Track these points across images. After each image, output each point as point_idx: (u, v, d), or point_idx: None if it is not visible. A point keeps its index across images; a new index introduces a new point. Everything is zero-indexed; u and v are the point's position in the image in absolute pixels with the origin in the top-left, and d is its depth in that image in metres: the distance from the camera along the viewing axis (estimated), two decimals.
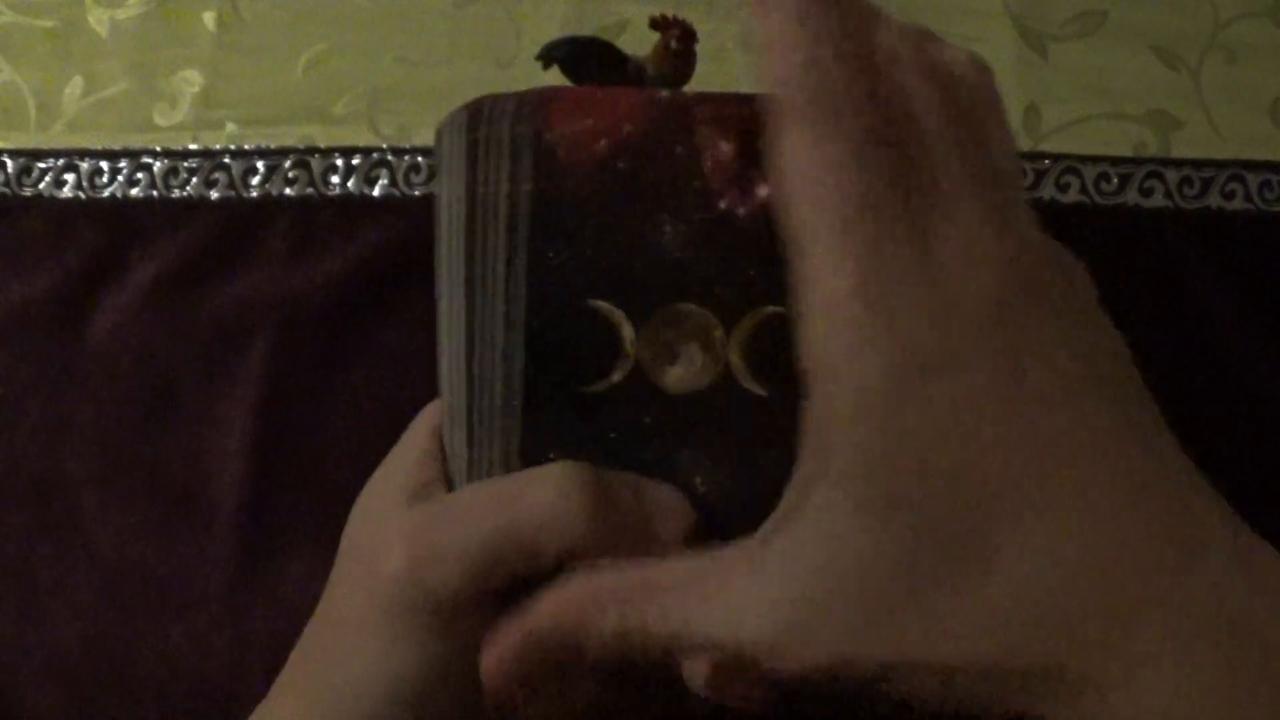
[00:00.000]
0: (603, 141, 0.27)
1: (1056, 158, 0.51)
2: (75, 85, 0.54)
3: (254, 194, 0.52)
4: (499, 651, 0.26)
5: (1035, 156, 0.51)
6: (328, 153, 0.52)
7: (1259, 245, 0.49)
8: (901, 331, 0.22)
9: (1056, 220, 0.50)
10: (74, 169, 0.53)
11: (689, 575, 0.24)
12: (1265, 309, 0.48)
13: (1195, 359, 0.47)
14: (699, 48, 0.48)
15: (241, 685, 0.45)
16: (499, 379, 0.28)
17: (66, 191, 0.52)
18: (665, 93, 0.28)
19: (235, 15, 0.55)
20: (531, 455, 0.28)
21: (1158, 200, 0.50)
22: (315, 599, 0.35)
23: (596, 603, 0.25)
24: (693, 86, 0.49)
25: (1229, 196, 0.50)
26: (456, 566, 0.28)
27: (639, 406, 0.27)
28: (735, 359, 0.27)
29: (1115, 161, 0.51)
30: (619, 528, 0.27)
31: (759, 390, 0.27)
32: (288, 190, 0.51)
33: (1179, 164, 0.51)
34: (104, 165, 0.53)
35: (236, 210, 0.51)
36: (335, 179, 0.51)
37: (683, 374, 0.27)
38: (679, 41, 0.48)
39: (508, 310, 0.27)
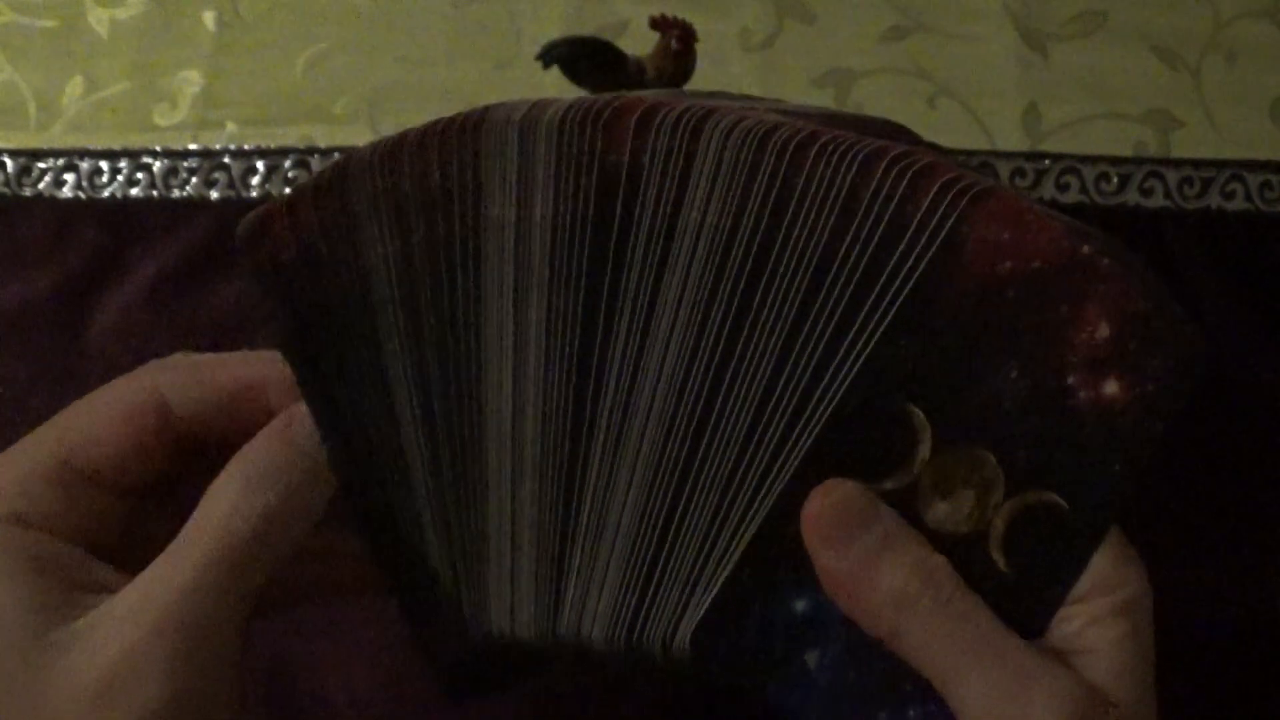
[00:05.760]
0: (1008, 263, 0.25)
1: (1056, 158, 0.51)
2: (75, 85, 0.54)
3: (254, 194, 0.52)
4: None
5: (1035, 156, 0.51)
6: (328, 153, 0.52)
7: (1259, 245, 0.49)
8: None
9: None
10: (74, 169, 0.53)
11: None
12: (1265, 309, 0.48)
13: None
14: (699, 48, 0.49)
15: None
16: (767, 440, 0.27)
17: (66, 191, 0.52)
18: (1087, 248, 0.25)
19: (235, 15, 0.55)
20: (777, 521, 0.27)
21: (1158, 200, 0.50)
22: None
23: None
24: (693, 86, 0.49)
25: (1229, 196, 0.50)
26: None
27: None
28: (998, 523, 0.26)
29: (1115, 161, 0.51)
30: None
31: (1001, 563, 0.26)
32: (287, 190, 0.51)
33: (1179, 164, 0.51)
34: (104, 165, 0.53)
35: (236, 210, 0.51)
36: None
37: (947, 514, 0.26)
38: (679, 41, 0.48)
39: (812, 377, 0.26)
